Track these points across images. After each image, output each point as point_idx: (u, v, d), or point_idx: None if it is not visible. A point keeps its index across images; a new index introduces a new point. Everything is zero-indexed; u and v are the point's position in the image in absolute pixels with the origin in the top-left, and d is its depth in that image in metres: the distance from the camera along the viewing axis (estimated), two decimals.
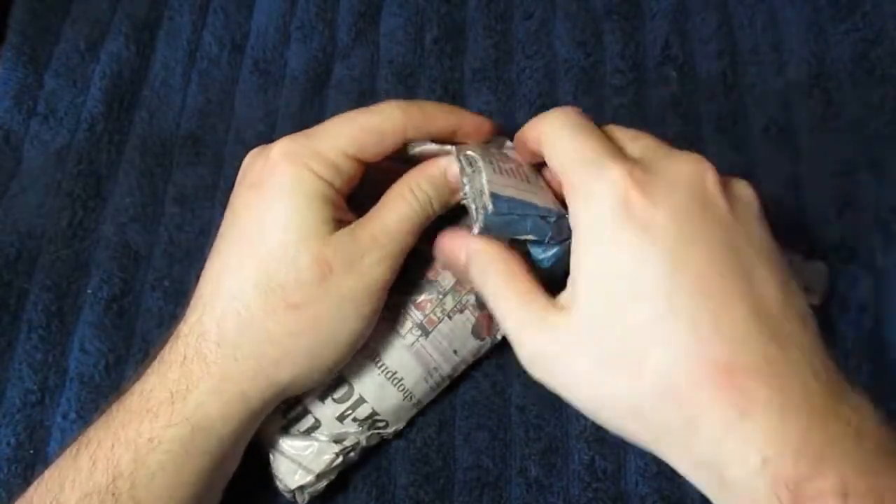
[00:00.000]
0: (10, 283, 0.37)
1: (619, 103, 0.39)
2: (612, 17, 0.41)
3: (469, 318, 0.31)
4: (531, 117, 0.39)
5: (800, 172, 0.37)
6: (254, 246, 0.27)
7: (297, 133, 0.29)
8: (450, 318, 0.31)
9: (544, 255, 0.28)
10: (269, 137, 0.40)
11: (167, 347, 0.27)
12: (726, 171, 0.25)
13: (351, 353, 0.28)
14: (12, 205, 0.39)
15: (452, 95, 0.40)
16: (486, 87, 0.40)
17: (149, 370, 0.27)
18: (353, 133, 0.28)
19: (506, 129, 0.39)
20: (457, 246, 0.28)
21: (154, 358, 0.28)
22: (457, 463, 0.33)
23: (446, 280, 0.31)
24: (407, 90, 0.40)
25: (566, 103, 0.39)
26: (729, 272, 0.22)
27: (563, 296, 0.25)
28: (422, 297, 0.31)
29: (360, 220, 0.28)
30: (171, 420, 0.26)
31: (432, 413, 0.34)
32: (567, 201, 0.25)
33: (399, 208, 0.28)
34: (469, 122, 0.30)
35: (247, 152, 0.40)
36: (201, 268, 0.29)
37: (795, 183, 0.37)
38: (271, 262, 0.26)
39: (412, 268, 0.30)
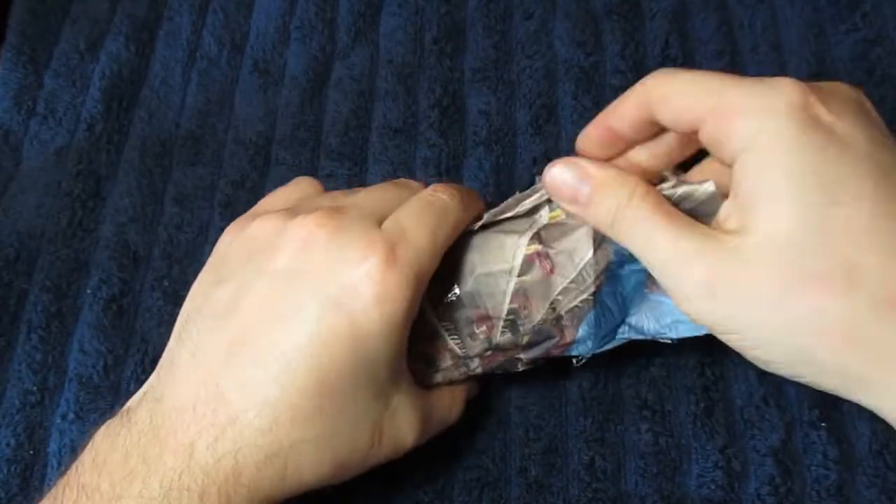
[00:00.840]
0: (9, 283, 0.37)
1: None
2: (613, 17, 0.41)
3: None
4: (531, 117, 0.39)
5: None
6: (331, 406, 0.24)
7: (387, 234, 0.25)
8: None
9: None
10: (268, 137, 0.40)
11: (173, 471, 0.23)
12: None
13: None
14: (12, 205, 0.39)
15: (452, 95, 0.40)
16: (486, 87, 0.40)
17: (142, 487, 0.23)
18: (438, 246, 0.26)
19: (506, 128, 0.39)
20: (578, 176, 0.25)
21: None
22: (457, 463, 0.33)
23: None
24: (407, 90, 0.40)
25: (566, 103, 0.39)
26: None
27: (731, 220, 0.23)
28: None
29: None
30: None
31: None
32: (723, 133, 0.23)
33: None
34: (478, 204, 0.29)
35: (246, 152, 0.40)
36: (200, 267, 0.28)
37: None
38: (345, 440, 0.25)
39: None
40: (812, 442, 0.32)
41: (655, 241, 0.23)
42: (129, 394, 0.28)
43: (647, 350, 0.34)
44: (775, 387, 0.33)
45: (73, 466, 0.24)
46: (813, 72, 0.39)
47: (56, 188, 0.39)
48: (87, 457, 0.24)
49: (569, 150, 0.35)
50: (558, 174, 0.26)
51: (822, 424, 0.32)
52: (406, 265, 0.24)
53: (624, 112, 0.26)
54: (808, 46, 0.40)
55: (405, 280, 0.24)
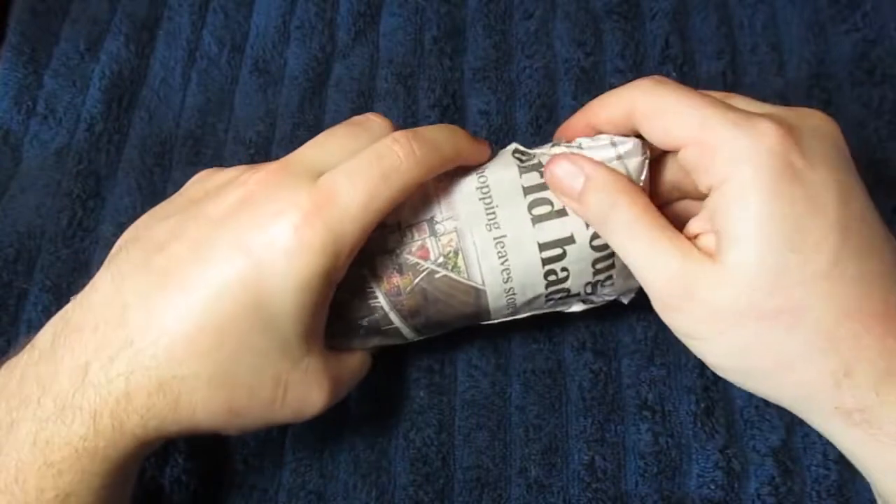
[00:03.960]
0: (9, 283, 0.37)
1: None
2: (612, 17, 0.41)
3: None
4: (531, 117, 0.39)
5: None
6: (230, 348, 0.24)
7: (316, 191, 0.25)
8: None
9: None
10: (268, 137, 0.40)
11: (66, 391, 0.24)
12: None
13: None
14: (11, 205, 0.39)
15: (452, 95, 0.40)
16: (486, 86, 0.40)
17: (36, 407, 0.24)
18: (376, 208, 0.25)
19: (506, 128, 0.39)
20: (574, 170, 0.26)
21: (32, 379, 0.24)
22: (456, 463, 0.33)
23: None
24: (407, 90, 0.40)
25: (566, 103, 0.39)
26: (879, 227, 0.24)
27: (705, 239, 0.25)
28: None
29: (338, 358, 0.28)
30: (81, 475, 0.24)
31: (432, 413, 0.34)
32: (701, 162, 0.24)
33: None
34: (475, 151, 0.28)
35: (246, 152, 0.40)
36: None
37: None
38: (242, 385, 0.25)
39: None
40: (812, 442, 0.32)
41: (636, 247, 0.25)
42: None
43: (648, 350, 0.34)
44: None
45: None
46: (813, 72, 0.39)
47: (56, 188, 0.39)
48: None
49: None
50: (557, 167, 0.27)
51: None
52: (326, 225, 0.24)
53: (608, 115, 0.27)
54: (809, 46, 0.40)
55: (320, 239, 0.24)
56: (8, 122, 0.41)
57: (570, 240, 0.27)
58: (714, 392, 0.33)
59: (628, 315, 0.35)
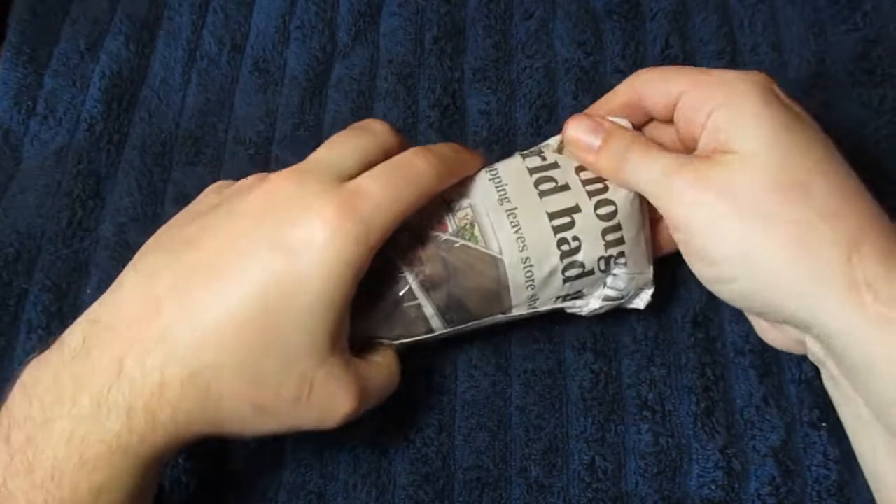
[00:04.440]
0: (9, 283, 0.37)
1: None
2: (613, 17, 0.41)
3: None
4: (531, 117, 0.39)
5: None
6: (261, 341, 0.25)
7: (347, 194, 0.26)
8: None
9: None
10: (268, 137, 0.40)
11: (102, 387, 0.24)
12: None
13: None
14: (12, 205, 0.39)
15: (452, 95, 0.40)
16: (487, 86, 0.40)
17: (71, 404, 0.24)
18: (400, 209, 0.26)
19: (506, 128, 0.39)
20: (594, 125, 0.29)
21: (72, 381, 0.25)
22: (457, 463, 0.33)
23: None
24: (407, 90, 0.40)
25: (566, 103, 0.39)
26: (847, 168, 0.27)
27: (709, 149, 0.27)
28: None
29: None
30: (114, 472, 0.24)
31: (432, 413, 0.34)
32: (703, 98, 0.27)
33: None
34: (471, 161, 0.31)
35: (246, 152, 0.40)
36: None
37: None
38: (270, 379, 0.25)
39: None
40: (812, 442, 0.32)
41: (653, 165, 0.28)
42: None
43: (648, 350, 0.34)
44: (776, 387, 0.33)
45: (4, 405, 0.25)
46: (813, 71, 0.39)
47: (56, 188, 0.39)
48: (16, 390, 0.25)
49: None
50: (579, 125, 0.30)
51: (823, 424, 0.32)
52: (357, 217, 0.25)
53: (616, 101, 0.30)
54: (809, 46, 0.40)
55: (353, 231, 0.25)
56: (8, 121, 0.41)
57: (577, 209, 0.29)
58: (714, 392, 0.33)
59: (629, 315, 0.35)
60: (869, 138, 0.38)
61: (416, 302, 0.29)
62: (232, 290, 0.25)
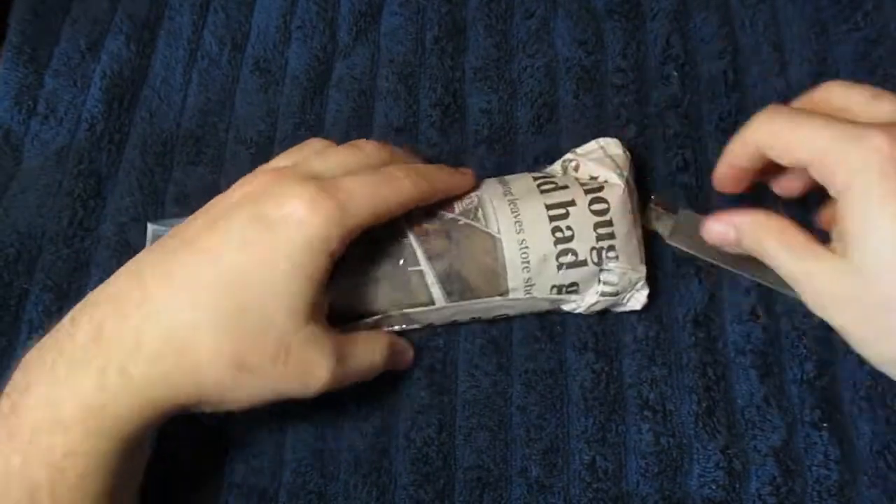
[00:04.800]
0: (10, 283, 0.37)
1: (620, 102, 0.39)
2: (614, 17, 0.41)
3: None
4: (532, 116, 0.39)
5: None
6: (237, 301, 0.26)
7: (326, 184, 0.28)
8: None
9: None
10: (269, 137, 0.40)
11: (78, 350, 0.26)
12: None
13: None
14: (12, 204, 0.39)
15: (453, 94, 0.40)
16: (487, 86, 0.40)
17: (50, 370, 0.25)
18: (375, 205, 0.28)
19: (507, 127, 0.39)
20: (725, 226, 0.31)
21: (49, 349, 0.26)
22: (457, 463, 0.33)
23: None
24: (408, 89, 0.40)
25: (567, 102, 0.39)
26: None
27: (836, 246, 0.28)
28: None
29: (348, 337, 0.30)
30: (87, 434, 0.25)
31: (432, 413, 0.34)
32: (825, 175, 0.27)
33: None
34: (460, 181, 0.33)
35: (248, 152, 0.40)
36: None
37: None
38: (247, 336, 0.26)
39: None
40: (813, 442, 0.32)
41: (787, 262, 0.29)
42: None
43: (649, 350, 0.34)
44: (777, 387, 0.33)
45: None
46: (814, 71, 0.39)
47: (57, 188, 0.39)
48: (16, 374, 0.26)
49: (569, 148, 0.35)
50: (713, 228, 0.31)
51: (824, 425, 0.32)
52: (336, 205, 0.27)
53: (739, 151, 0.31)
54: (810, 46, 0.40)
55: (329, 213, 0.27)
56: (8, 121, 0.41)
57: (572, 203, 0.32)
58: (715, 392, 0.33)
59: (629, 315, 0.35)
60: None
61: (419, 268, 0.31)
62: (211, 256, 0.26)
